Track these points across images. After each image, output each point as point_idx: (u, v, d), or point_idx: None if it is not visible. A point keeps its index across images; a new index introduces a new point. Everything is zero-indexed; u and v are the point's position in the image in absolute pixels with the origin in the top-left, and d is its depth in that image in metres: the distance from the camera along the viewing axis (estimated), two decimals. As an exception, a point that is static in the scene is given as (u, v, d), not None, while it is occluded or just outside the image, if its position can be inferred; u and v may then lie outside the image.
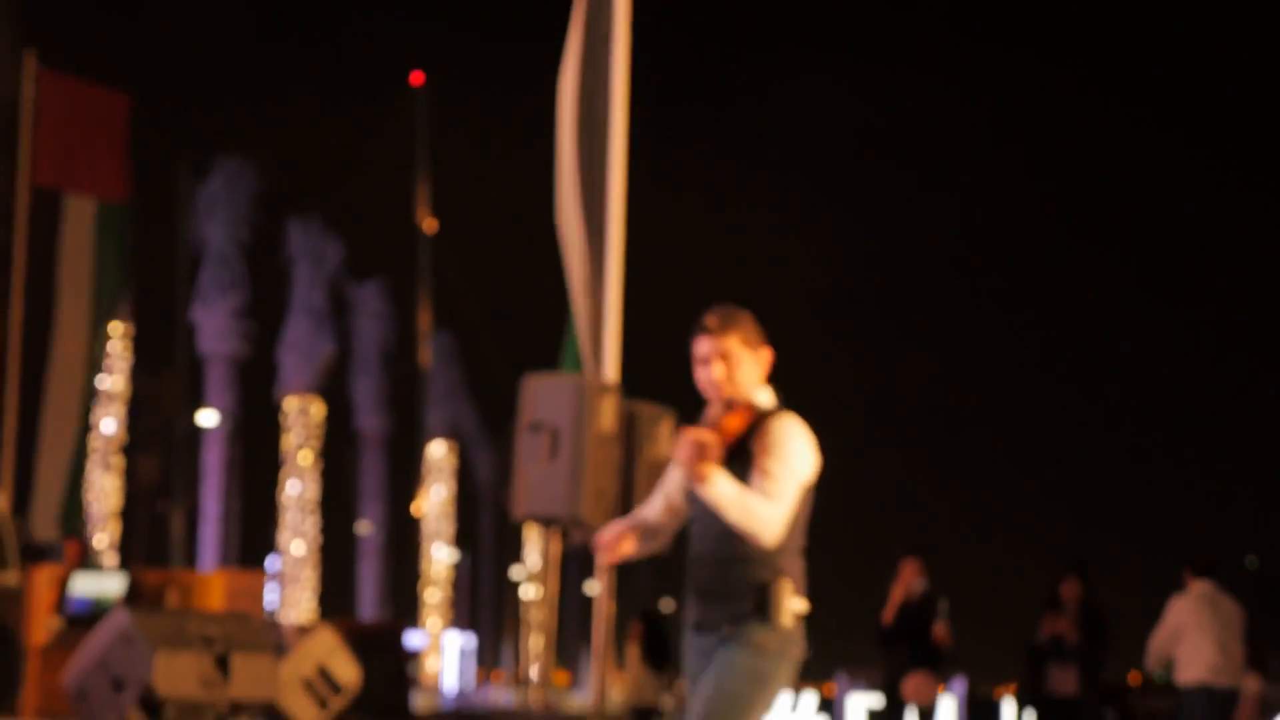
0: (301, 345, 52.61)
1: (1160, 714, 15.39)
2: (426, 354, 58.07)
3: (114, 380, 44.27)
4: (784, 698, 19.58)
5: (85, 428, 22.30)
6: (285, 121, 66.92)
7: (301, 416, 52.63)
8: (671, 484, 6.22)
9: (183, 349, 48.16)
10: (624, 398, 12.62)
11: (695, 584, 6.00)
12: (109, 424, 44.68)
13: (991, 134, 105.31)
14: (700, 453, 5.72)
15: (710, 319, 5.99)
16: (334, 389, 54.95)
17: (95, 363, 23.00)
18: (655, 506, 6.26)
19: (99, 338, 22.91)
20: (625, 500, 12.56)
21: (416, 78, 58.27)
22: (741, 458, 5.91)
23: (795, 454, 5.88)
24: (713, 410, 6.03)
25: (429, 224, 57.28)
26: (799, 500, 5.91)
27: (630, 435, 12.65)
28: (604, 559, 6.17)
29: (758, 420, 5.94)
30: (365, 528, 57.59)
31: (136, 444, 46.09)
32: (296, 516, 52.63)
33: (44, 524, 21.61)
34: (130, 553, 45.78)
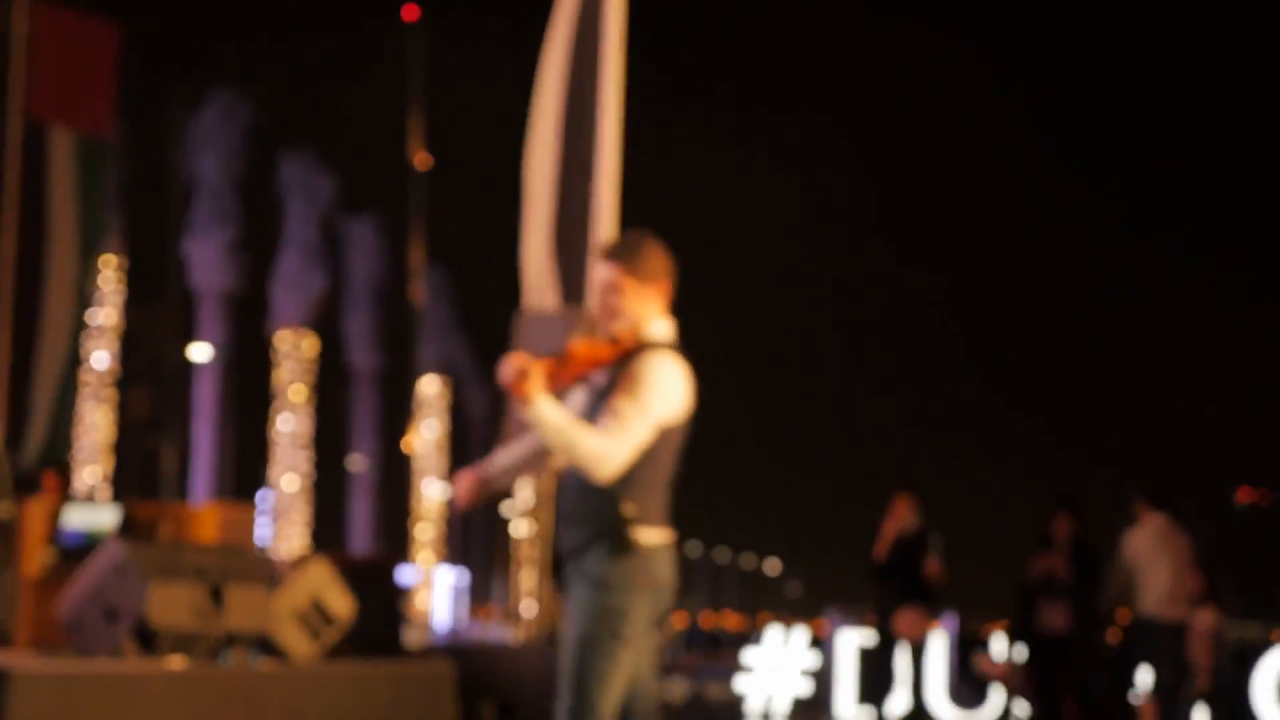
0: (294, 280, 52.59)
1: (1108, 648, 15.37)
2: (419, 289, 57.93)
3: (106, 314, 44.22)
4: (775, 634, 19.60)
5: (74, 361, 22.33)
6: (278, 55, 66.69)
7: (294, 351, 52.65)
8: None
9: (175, 283, 48.06)
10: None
11: (557, 508, 5.91)
12: (101, 358, 44.64)
13: (988, 75, 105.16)
14: (521, 376, 5.55)
15: (604, 247, 5.90)
16: (326, 324, 54.97)
17: (85, 297, 22.98)
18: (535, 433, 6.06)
19: (88, 271, 22.87)
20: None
21: (409, 11, 57.94)
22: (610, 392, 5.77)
23: (653, 390, 5.69)
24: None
25: (422, 159, 57.08)
26: (653, 437, 5.71)
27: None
28: (460, 504, 6.05)
29: (628, 354, 5.78)
30: (357, 463, 57.65)
31: (128, 378, 46.09)
32: (289, 451, 52.67)
33: (27, 456, 21.63)
34: (122, 486, 45.81)
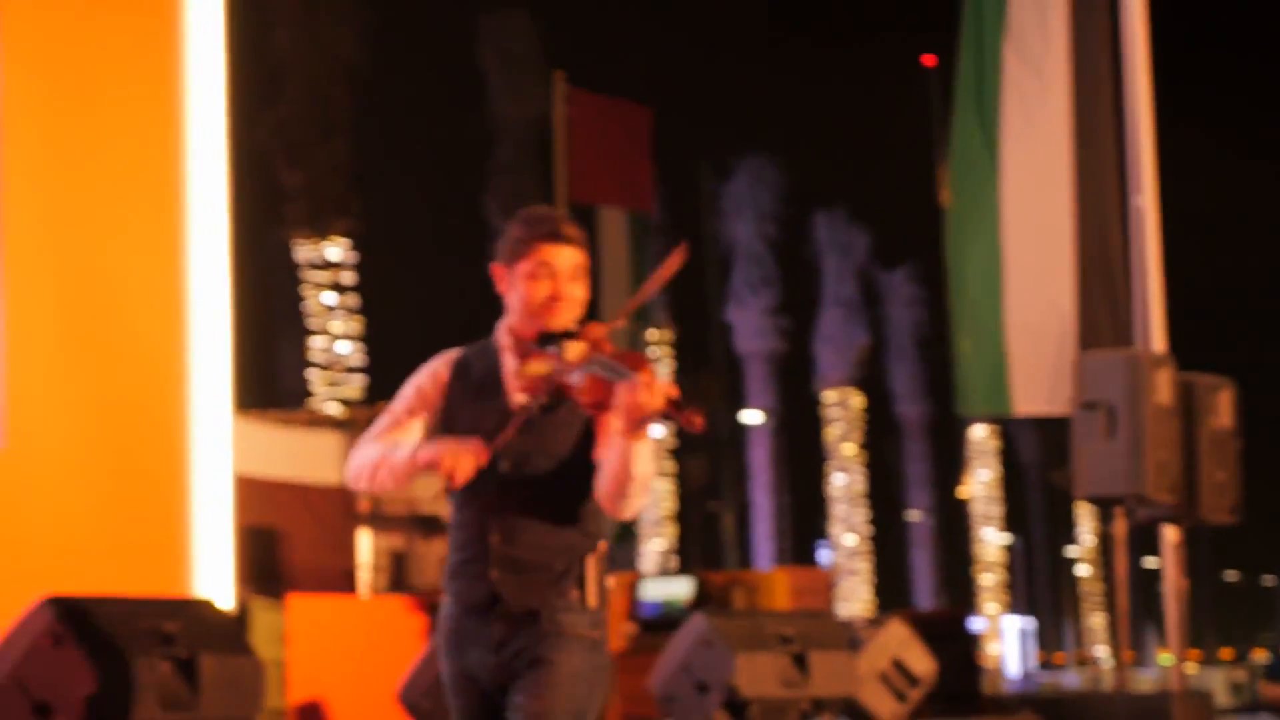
0: (836, 337, 52.93)
1: None
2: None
3: (656, 386, 45.27)
4: None
5: None
6: (803, 116, 67.56)
7: (842, 408, 52.95)
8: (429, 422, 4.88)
9: (720, 349, 48.92)
10: (1177, 369, 12.32)
11: (494, 554, 4.70)
12: (656, 429, 45.71)
13: None
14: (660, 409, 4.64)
15: (567, 227, 4.78)
16: (871, 378, 55.13)
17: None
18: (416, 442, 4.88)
19: (638, 346, 23.47)
20: (1189, 474, 12.26)
21: (929, 60, 58.01)
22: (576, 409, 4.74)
23: None
24: (522, 345, 4.78)
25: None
26: None
27: (1189, 407, 12.34)
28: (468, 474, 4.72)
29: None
30: (915, 515, 57.63)
31: (684, 447, 47.05)
32: (845, 508, 52.96)
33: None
34: (687, 555, 46.76)
